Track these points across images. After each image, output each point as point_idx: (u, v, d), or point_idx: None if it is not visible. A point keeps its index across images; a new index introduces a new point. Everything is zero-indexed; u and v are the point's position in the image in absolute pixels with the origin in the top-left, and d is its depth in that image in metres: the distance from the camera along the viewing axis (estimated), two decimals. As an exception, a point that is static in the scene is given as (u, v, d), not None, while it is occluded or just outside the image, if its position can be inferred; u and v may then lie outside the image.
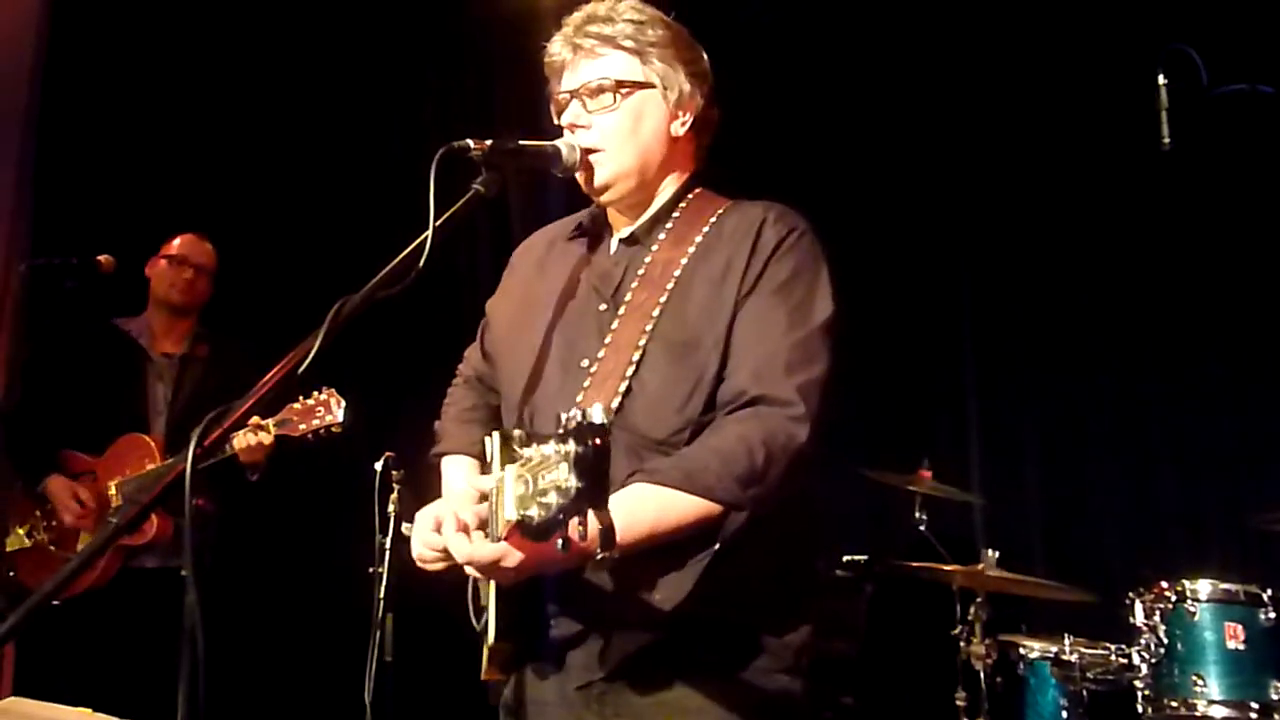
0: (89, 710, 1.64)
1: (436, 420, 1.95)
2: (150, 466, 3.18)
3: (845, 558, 3.87)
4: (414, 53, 4.63)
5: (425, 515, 1.66)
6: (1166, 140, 2.68)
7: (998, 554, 3.25)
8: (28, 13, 4.24)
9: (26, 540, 3.31)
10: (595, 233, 1.81)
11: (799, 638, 1.60)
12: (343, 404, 2.83)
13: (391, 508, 2.70)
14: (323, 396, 2.86)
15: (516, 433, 1.56)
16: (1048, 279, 3.94)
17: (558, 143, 1.70)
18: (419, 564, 1.66)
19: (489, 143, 1.58)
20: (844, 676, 3.69)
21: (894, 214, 4.11)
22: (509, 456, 1.54)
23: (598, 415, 1.11)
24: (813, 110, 4.09)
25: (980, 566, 3.22)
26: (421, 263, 1.46)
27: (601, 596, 1.53)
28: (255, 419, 2.90)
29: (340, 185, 4.44)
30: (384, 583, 2.66)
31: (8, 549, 3.34)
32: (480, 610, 1.69)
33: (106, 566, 3.06)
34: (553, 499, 1.13)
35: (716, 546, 1.48)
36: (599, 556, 1.34)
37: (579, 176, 1.72)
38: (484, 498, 1.59)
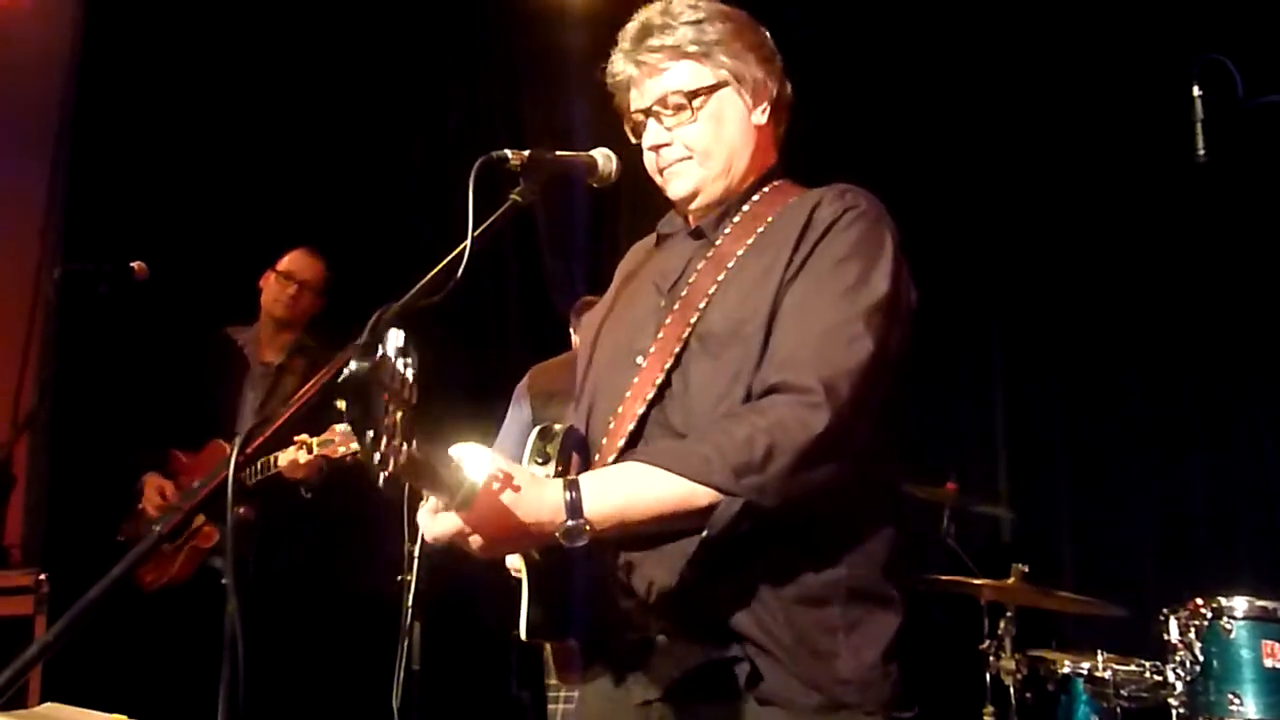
0: (124, 717, 1.64)
1: (468, 432, 1.95)
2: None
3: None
4: (437, 62, 4.66)
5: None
6: (1201, 152, 2.66)
7: (1027, 568, 3.21)
8: (62, 22, 4.30)
9: (133, 533, 3.45)
10: (673, 233, 1.77)
11: (871, 656, 1.47)
12: None
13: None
14: None
15: (558, 427, 1.55)
16: (1080, 290, 3.90)
17: (594, 152, 1.69)
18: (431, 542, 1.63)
19: (527, 153, 1.58)
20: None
21: (924, 225, 4.07)
22: (538, 450, 1.53)
23: (393, 342, 1.10)
24: (847, 121, 4.07)
25: (1010, 581, 3.19)
26: (460, 272, 1.46)
27: (644, 608, 1.48)
28: (303, 437, 3.00)
29: (363, 193, 4.47)
30: (412, 591, 2.66)
31: (121, 537, 3.48)
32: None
33: (185, 567, 3.22)
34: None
35: (704, 534, 1.40)
36: (568, 525, 1.32)
37: (665, 188, 1.69)
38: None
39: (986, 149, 4.05)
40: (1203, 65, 2.68)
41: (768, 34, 1.72)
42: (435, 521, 1.38)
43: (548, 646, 1.56)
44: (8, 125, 4.22)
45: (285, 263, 3.60)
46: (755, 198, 1.67)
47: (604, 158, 1.68)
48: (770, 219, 1.62)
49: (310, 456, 3.04)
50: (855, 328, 1.47)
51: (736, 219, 1.65)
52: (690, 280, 1.61)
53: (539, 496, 1.36)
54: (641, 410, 1.54)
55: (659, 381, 1.54)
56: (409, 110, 4.66)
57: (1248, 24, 3.34)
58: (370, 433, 1.09)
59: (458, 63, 4.68)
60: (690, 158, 1.65)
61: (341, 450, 3.00)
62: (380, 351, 1.10)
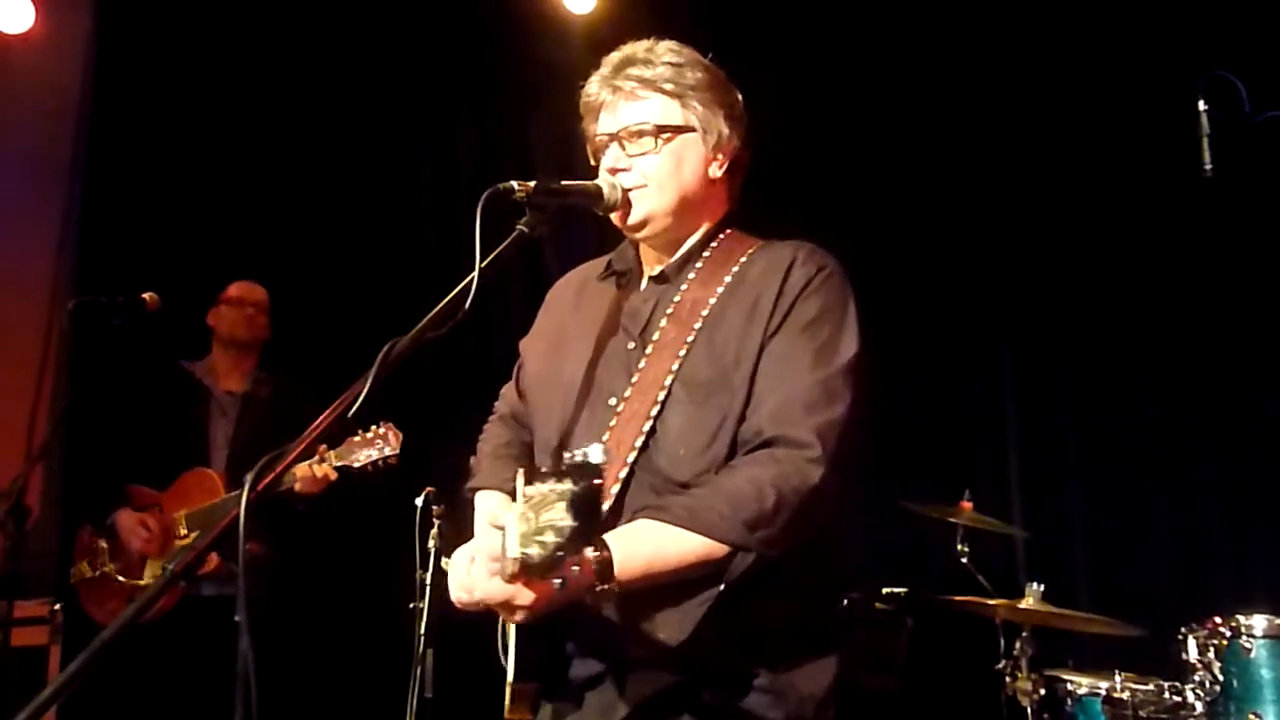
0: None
1: (472, 456, 1.96)
2: (214, 500, 3.32)
3: (885, 590, 3.82)
4: (446, 90, 4.70)
5: (460, 555, 1.67)
6: (1208, 167, 2.66)
7: (1043, 587, 3.19)
8: (74, 55, 4.36)
9: (90, 571, 3.43)
10: (626, 271, 1.81)
11: (818, 689, 1.57)
12: (400, 436, 3.01)
13: (432, 543, 2.70)
14: (381, 430, 3.04)
15: (543, 471, 1.57)
16: (1090, 306, 3.89)
17: (599, 181, 1.71)
18: (456, 604, 1.66)
19: (533, 184, 1.59)
20: (885, 712, 3.63)
21: (933, 240, 4.09)
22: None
23: (596, 455, 1.12)
24: (851, 137, 4.09)
25: (1025, 600, 3.17)
26: (468, 304, 1.47)
27: (619, 637, 1.52)
28: (322, 447, 3.05)
29: (373, 224, 4.50)
30: (425, 618, 2.66)
31: (72, 579, 3.47)
32: (505, 648, 1.69)
33: (165, 600, 3.10)
34: (549, 538, 1.14)
35: (721, 587, 1.46)
36: (599, 589, 1.36)
37: (616, 214, 1.73)
38: None
39: (995, 165, 4.05)
40: (1208, 81, 2.69)
41: (739, 96, 1.79)
42: (489, 584, 1.44)
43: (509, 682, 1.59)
44: (21, 158, 4.27)
45: (233, 291, 3.66)
46: (713, 244, 1.74)
47: (609, 186, 1.71)
48: (735, 269, 1.69)
49: (329, 469, 3.08)
50: (836, 384, 1.56)
51: (699, 264, 1.72)
52: (660, 325, 1.67)
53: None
54: (633, 457, 1.58)
55: (646, 428, 1.57)
56: (418, 138, 4.70)
57: (1253, 40, 3.34)
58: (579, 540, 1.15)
59: (467, 91, 4.72)
60: (646, 186, 1.69)
61: (363, 458, 3.06)
62: (601, 466, 1.15)
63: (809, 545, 1.56)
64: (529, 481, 1.21)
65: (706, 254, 1.73)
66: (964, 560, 3.50)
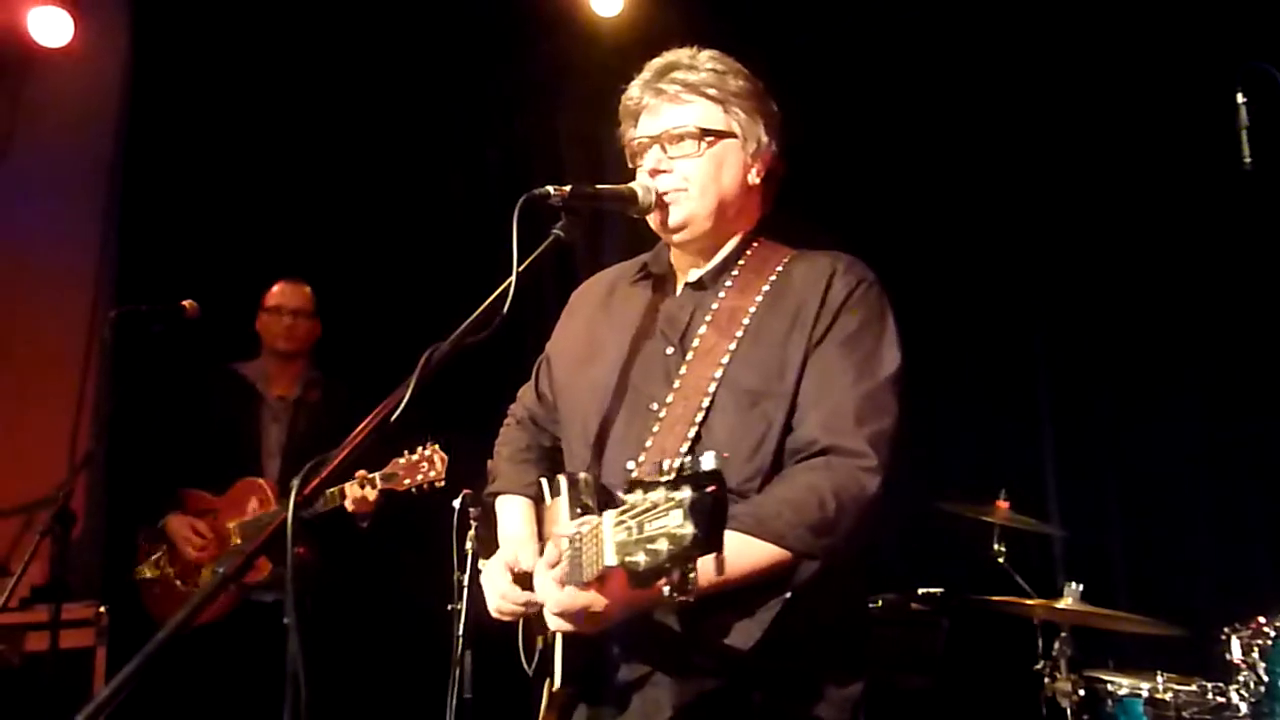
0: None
1: (489, 460, 1.98)
2: (264, 510, 3.37)
3: (921, 591, 3.80)
4: (475, 94, 4.73)
5: (496, 567, 1.68)
6: (1248, 160, 2.63)
7: (1081, 587, 3.16)
8: (112, 67, 4.43)
9: (154, 571, 3.50)
10: (660, 276, 1.82)
11: (855, 691, 1.61)
12: (445, 459, 3.03)
13: (469, 545, 2.72)
14: (426, 452, 3.06)
15: (583, 476, 1.58)
16: (1128, 302, 3.84)
17: (633, 185, 1.72)
18: (497, 616, 1.67)
19: (568, 188, 1.61)
20: (921, 713, 3.61)
21: (966, 237, 4.06)
22: (578, 500, 1.56)
23: (710, 462, 1.12)
24: (884, 138, 4.07)
25: (1064, 600, 3.14)
26: (506, 308, 1.49)
27: (668, 642, 1.54)
28: (362, 472, 3.07)
29: (405, 226, 4.53)
30: (463, 620, 2.68)
31: (135, 578, 3.53)
32: (532, 652, 1.69)
33: (224, 603, 3.22)
34: (663, 545, 1.13)
35: (788, 595, 1.48)
36: (676, 600, 1.35)
37: (653, 216, 1.74)
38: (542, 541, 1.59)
39: (1028, 161, 4.00)
40: (1245, 72, 2.65)
41: (776, 108, 1.81)
42: (559, 593, 1.44)
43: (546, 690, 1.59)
44: (60, 170, 4.35)
45: (272, 297, 3.65)
46: (748, 251, 1.76)
47: (644, 189, 1.71)
48: (772, 278, 1.70)
49: (375, 492, 3.10)
50: (883, 396, 1.59)
51: (735, 272, 1.73)
52: (700, 331, 1.68)
53: None
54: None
55: (691, 434, 1.59)
56: (448, 142, 4.73)
57: (1291, 30, 3.29)
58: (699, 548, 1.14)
59: (495, 93, 4.75)
60: (686, 189, 1.70)
61: (407, 482, 3.07)
62: (719, 473, 1.14)
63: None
64: (629, 490, 1.18)
65: (741, 261, 1.75)
66: (1001, 560, 3.47)
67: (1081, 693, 3.13)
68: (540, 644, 1.68)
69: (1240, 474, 3.68)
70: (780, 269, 1.72)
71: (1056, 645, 3.20)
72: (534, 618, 1.70)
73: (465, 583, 2.69)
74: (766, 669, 1.52)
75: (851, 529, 1.50)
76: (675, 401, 1.62)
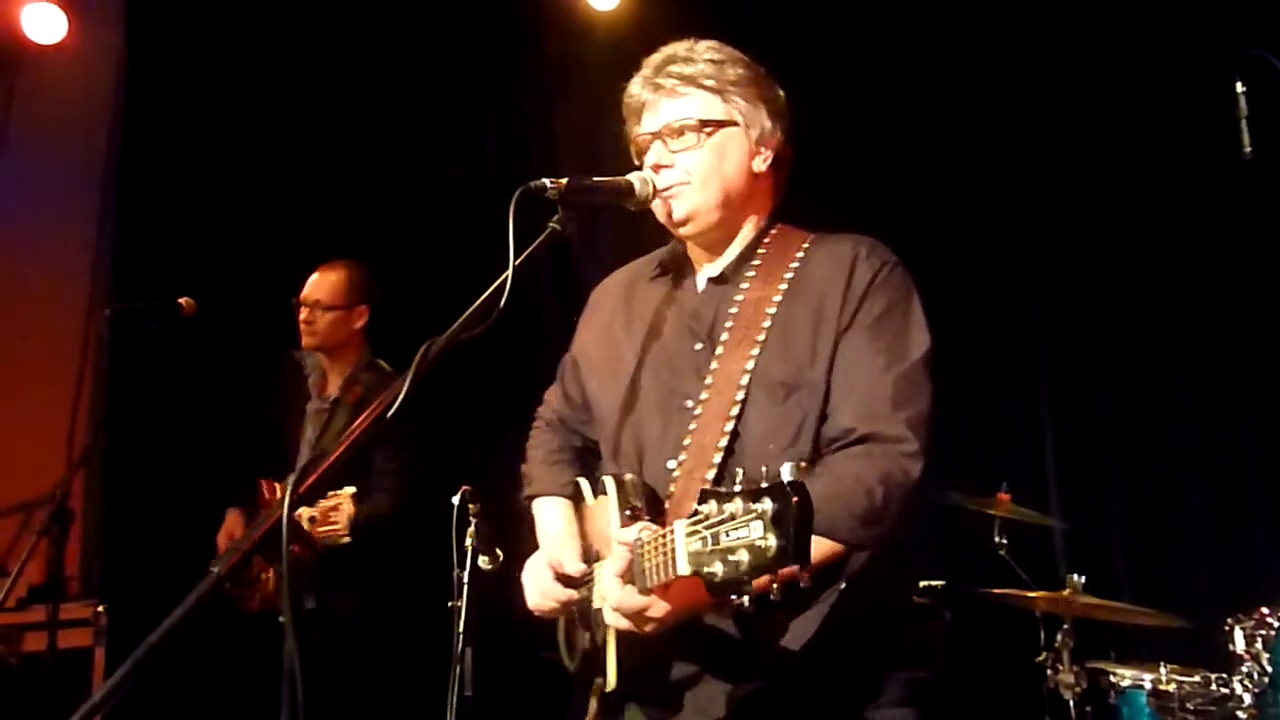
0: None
1: (522, 464, 1.96)
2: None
3: (922, 583, 3.79)
4: (471, 89, 4.71)
5: (538, 564, 1.67)
6: (1248, 149, 2.61)
7: (1083, 579, 3.15)
8: (107, 63, 4.42)
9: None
10: (678, 271, 1.81)
11: (919, 677, 1.62)
12: (352, 513, 2.90)
13: (469, 541, 2.71)
14: (340, 498, 2.91)
15: (630, 478, 1.59)
16: (1128, 293, 3.83)
17: (630, 176, 1.71)
18: (535, 611, 1.67)
19: (565, 181, 1.60)
20: (925, 706, 3.60)
21: (968, 228, 4.04)
22: (626, 503, 1.57)
23: (789, 473, 1.10)
24: (881, 135, 4.05)
25: (1066, 592, 3.13)
26: (503, 302, 1.48)
27: (720, 639, 1.53)
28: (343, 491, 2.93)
29: (403, 221, 4.51)
30: (463, 617, 2.67)
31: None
32: (575, 651, 1.68)
33: (252, 601, 3.15)
34: (743, 557, 1.12)
35: (843, 586, 1.48)
36: (741, 604, 1.31)
37: (659, 210, 1.73)
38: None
39: (1029, 153, 3.99)
40: (1245, 61, 2.64)
41: (781, 92, 1.79)
42: (620, 593, 1.43)
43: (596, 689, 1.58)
44: (55, 167, 4.34)
45: (303, 290, 3.44)
46: (766, 240, 1.75)
47: (640, 181, 1.71)
48: (794, 265, 1.69)
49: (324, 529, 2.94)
50: (916, 377, 1.58)
51: (756, 263, 1.72)
52: (726, 325, 1.67)
53: None
54: (719, 459, 1.57)
55: (729, 429, 1.58)
56: (444, 137, 4.71)
57: (1291, 17, 3.27)
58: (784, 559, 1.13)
59: (491, 88, 4.73)
60: (689, 183, 1.69)
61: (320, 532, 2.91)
62: (801, 484, 1.13)
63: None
64: (703, 500, 1.17)
65: (761, 251, 1.73)
66: (1002, 552, 3.46)
67: (1084, 685, 3.12)
68: (585, 643, 1.66)
69: (1242, 463, 3.68)
70: (801, 255, 1.70)
71: (1059, 637, 3.19)
72: (577, 616, 1.69)
73: (465, 580, 2.68)
74: (821, 661, 1.51)
75: (899, 515, 1.49)
76: (710, 398, 1.61)
